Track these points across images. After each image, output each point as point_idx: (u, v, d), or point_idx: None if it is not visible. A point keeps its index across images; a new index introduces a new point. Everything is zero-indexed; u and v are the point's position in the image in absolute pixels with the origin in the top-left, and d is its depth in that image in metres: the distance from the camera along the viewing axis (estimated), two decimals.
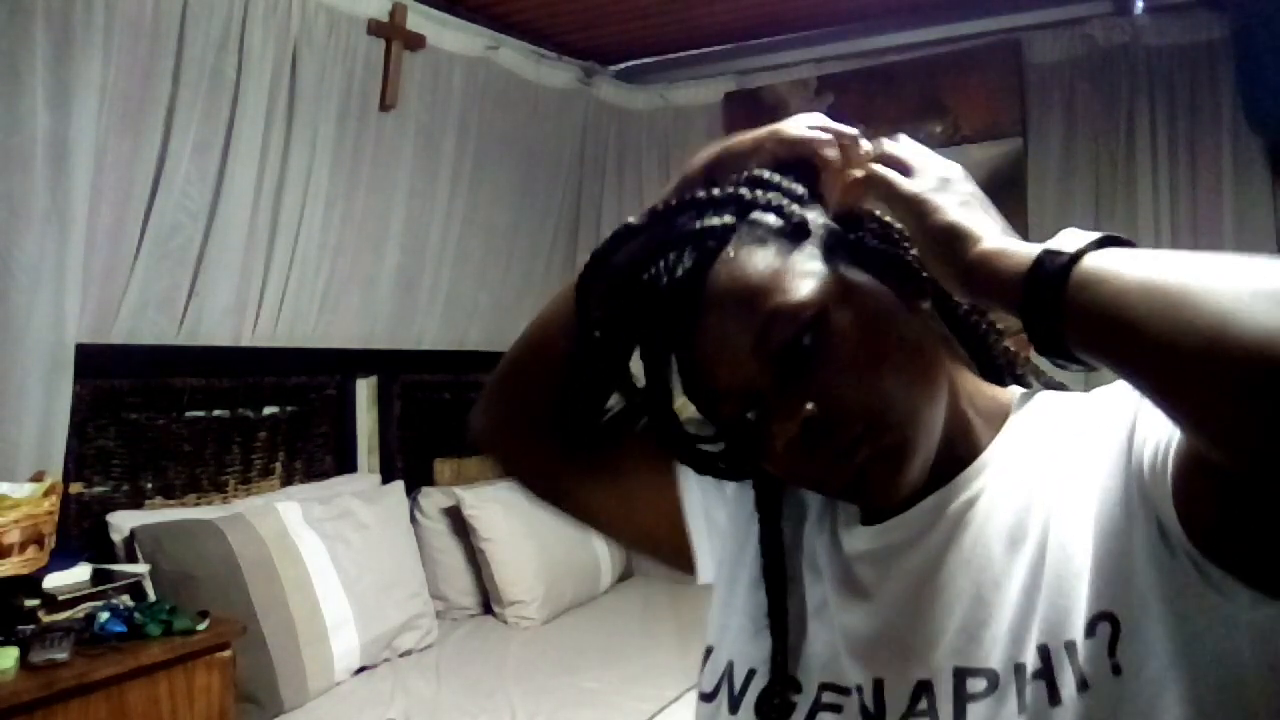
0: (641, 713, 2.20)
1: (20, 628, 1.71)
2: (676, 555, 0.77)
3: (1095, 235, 0.48)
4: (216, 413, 2.59)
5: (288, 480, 2.77)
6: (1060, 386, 0.69)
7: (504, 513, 2.92)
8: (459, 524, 2.95)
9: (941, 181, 0.58)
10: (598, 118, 3.59)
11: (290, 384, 2.81)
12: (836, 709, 0.62)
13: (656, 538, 0.78)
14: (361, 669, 2.44)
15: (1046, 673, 0.53)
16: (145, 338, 2.36)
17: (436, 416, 3.28)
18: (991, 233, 0.54)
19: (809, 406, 0.56)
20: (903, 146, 0.61)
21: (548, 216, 3.49)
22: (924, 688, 0.58)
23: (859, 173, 0.62)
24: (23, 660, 1.63)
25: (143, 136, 2.23)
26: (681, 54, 3.52)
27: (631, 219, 0.64)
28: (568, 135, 3.50)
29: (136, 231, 2.27)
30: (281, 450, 2.77)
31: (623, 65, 3.62)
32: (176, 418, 2.49)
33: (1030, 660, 0.54)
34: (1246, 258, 0.43)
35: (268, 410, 2.74)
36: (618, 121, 3.65)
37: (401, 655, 2.56)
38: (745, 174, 0.65)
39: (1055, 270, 0.47)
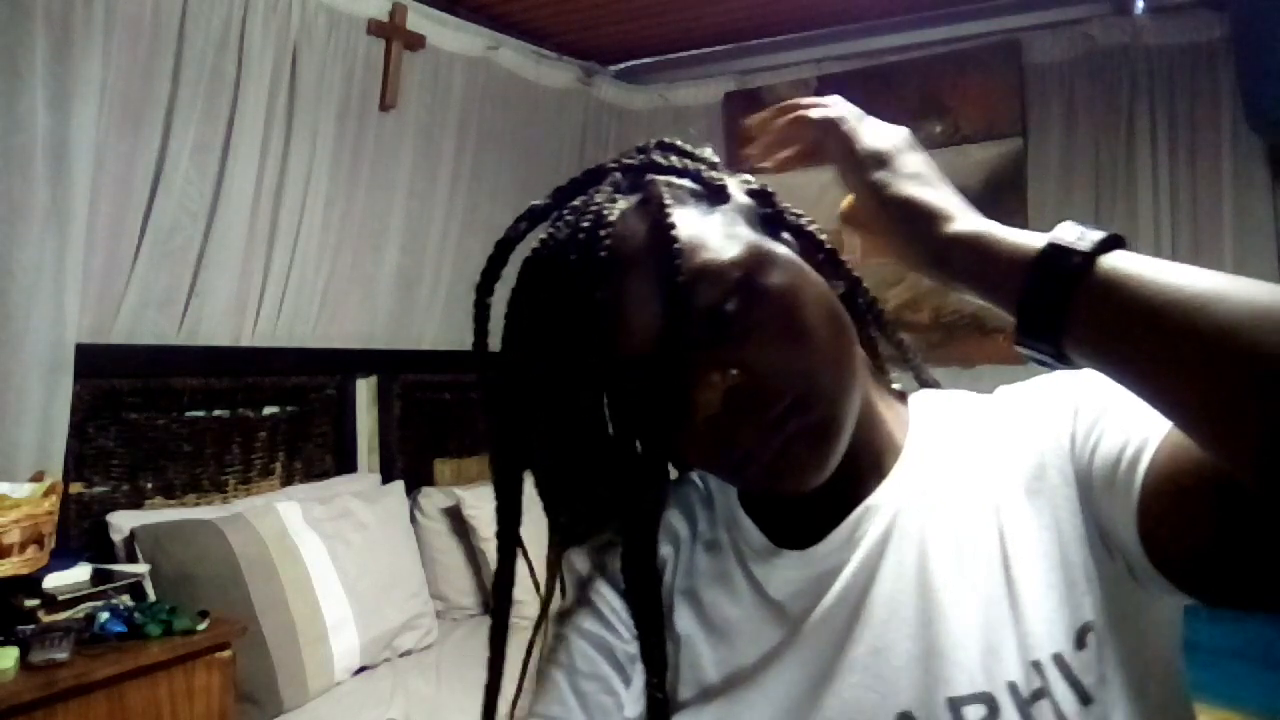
0: None
1: (20, 628, 1.71)
2: None
3: (1100, 234, 0.47)
4: (216, 413, 2.59)
5: (288, 480, 2.77)
6: (934, 384, 0.68)
7: None
8: (459, 524, 2.95)
9: (895, 147, 0.55)
10: (598, 118, 3.59)
11: (290, 384, 2.81)
12: None
13: None
14: (361, 669, 2.44)
15: (1046, 691, 0.51)
16: (145, 338, 2.36)
17: (436, 416, 3.28)
18: (963, 212, 0.52)
19: (734, 373, 0.52)
20: (846, 106, 0.57)
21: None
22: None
23: (814, 113, 0.58)
24: (23, 660, 1.63)
25: (142, 136, 2.23)
26: (681, 54, 3.52)
27: (535, 202, 0.60)
28: (568, 135, 3.49)
29: (136, 231, 2.27)
30: (281, 450, 2.77)
31: (623, 65, 3.62)
32: (176, 418, 2.49)
33: (1021, 678, 0.51)
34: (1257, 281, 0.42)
35: (268, 410, 2.74)
36: (618, 121, 3.64)
37: (401, 655, 2.56)
38: (653, 141, 0.62)
39: (1068, 269, 0.46)
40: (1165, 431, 0.49)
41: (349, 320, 2.90)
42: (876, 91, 3.25)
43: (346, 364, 2.96)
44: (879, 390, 0.63)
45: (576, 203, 0.57)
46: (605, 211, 0.55)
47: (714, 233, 0.55)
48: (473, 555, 2.94)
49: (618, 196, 0.57)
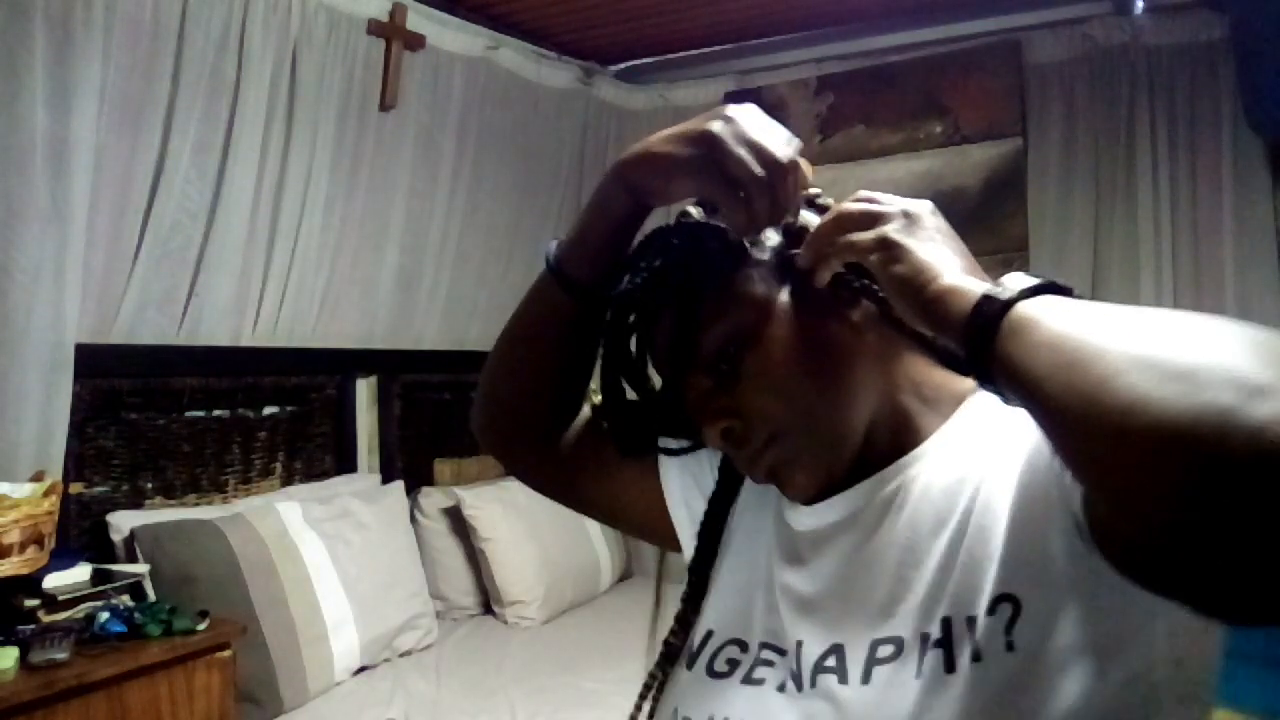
0: None
1: (20, 628, 1.71)
2: (667, 540, 0.85)
3: (1034, 281, 0.51)
4: (216, 413, 2.59)
5: (288, 480, 2.77)
6: None
7: (504, 513, 2.92)
8: (459, 524, 2.95)
9: (908, 220, 0.60)
10: (598, 118, 3.59)
11: (290, 384, 2.81)
12: (770, 664, 0.69)
13: (648, 525, 0.86)
14: (361, 669, 2.44)
15: (945, 642, 0.58)
16: (145, 338, 2.36)
17: (436, 416, 3.28)
18: (950, 268, 0.56)
19: (724, 424, 0.67)
20: (862, 200, 0.63)
21: (547, 216, 3.49)
22: (836, 649, 0.64)
23: (827, 249, 0.65)
24: (23, 660, 1.63)
25: (142, 136, 2.23)
26: (681, 54, 3.52)
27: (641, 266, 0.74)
28: (568, 135, 3.49)
29: (136, 231, 2.27)
30: (281, 450, 2.77)
31: (623, 65, 3.62)
32: (176, 418, 2.49)
33: (935, 630, 0.59)
34: (1171, 316, 0.44)
35: (268, 410, 2.74)
36: (618, 121, 3.64)
37: (401, 655, 2.56)
38: (699, 203, 0.73)
39: (991, 315, 0.50)
40: None
41: (349, 320, 2.90)
42: (876, 91, 3.25)
43: (346, 364, 2.96)
44: (916, 388, 0.71)
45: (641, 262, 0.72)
46: (645, 275, 0.70)
47: (721, 295, 0.68)
48: (473, 555, 2.95)
49: (658, 262, 0.70)
